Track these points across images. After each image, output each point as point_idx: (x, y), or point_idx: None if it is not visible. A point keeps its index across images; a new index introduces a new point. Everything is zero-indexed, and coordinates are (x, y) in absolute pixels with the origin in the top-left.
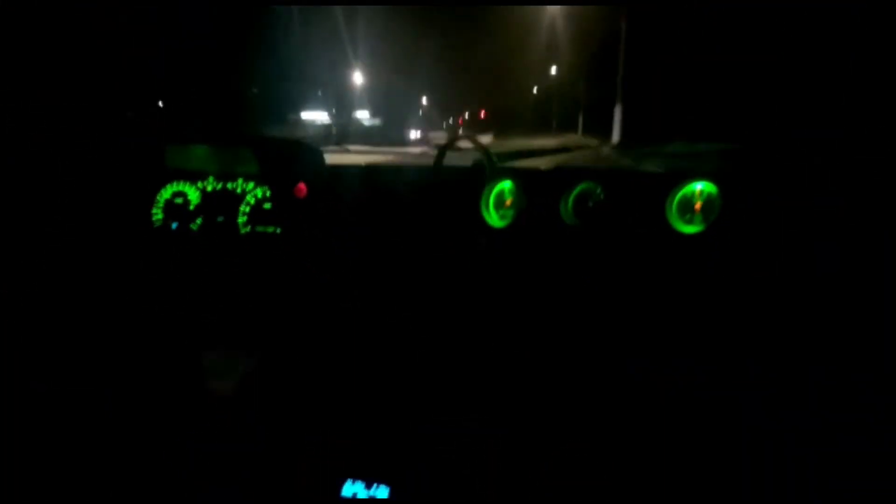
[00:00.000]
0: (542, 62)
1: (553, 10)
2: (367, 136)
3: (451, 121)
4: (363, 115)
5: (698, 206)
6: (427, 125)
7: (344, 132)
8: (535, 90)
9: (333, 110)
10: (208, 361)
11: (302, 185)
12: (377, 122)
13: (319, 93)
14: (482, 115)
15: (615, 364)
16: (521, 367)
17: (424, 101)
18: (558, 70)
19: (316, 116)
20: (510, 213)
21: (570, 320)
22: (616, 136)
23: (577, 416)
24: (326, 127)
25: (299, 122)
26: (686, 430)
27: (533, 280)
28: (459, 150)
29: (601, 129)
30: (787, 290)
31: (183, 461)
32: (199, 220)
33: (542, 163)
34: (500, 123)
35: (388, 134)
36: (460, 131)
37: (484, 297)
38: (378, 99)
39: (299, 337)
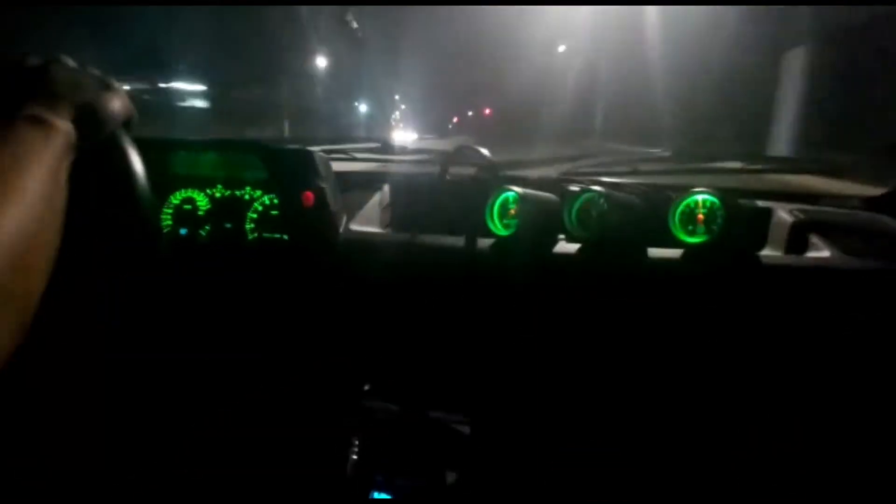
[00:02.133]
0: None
1: None
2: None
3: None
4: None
5: (701, 217)
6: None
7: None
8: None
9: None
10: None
11: (309, 194)
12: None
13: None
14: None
15: (615, 369)
16: (521, 369)
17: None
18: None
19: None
20: (514, 221)
21: (571, 326)
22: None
23: (578, 418)
24: None
25: None
26: (687, 435)
27: (536, 286)
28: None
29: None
30: (790, 297)
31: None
32: (207, 227)
33: (548, 170)
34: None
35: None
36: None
37: (488, 303)
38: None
39: (305, 339)
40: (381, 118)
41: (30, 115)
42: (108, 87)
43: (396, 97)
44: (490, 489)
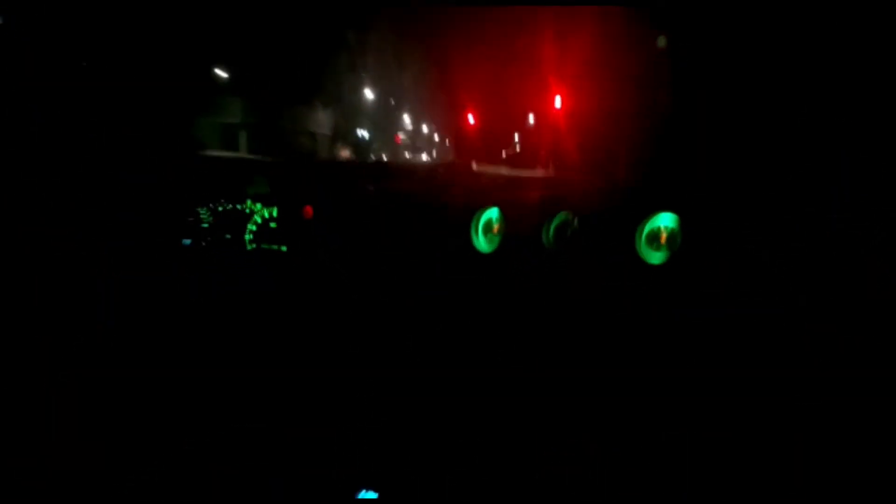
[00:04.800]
0: None
1: None
2: None
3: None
4: None
5: (664, 237)
6: None
7: None
8: None
9: None
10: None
11: (308, 208)
12: None
13: None
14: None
15: (590, 371)
16: (506, 374)
17: None
18: None
19: None
20: (497, 238)
21: (548, 337)
22: None
23: (561, 419)
24: None
25: None
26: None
27: (516, 299)
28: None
29: None
30: (744, 308)
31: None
32: (208, 237)
33: (528, 190)
34: None
35: None
36: None
37: (473, 313)
38: None
39: (301, 344)
40: None
41: None
42: None
43: None
44: (487, 490)
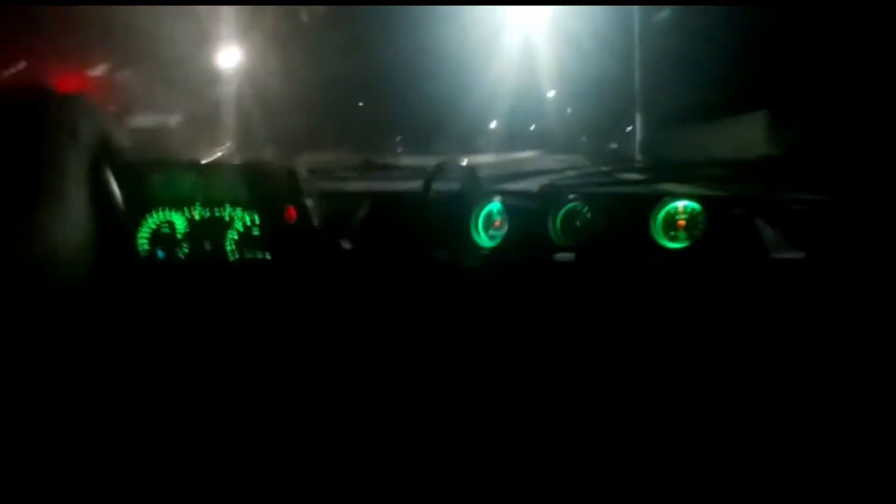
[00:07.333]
0: None
1: None
2: None
3: None
4: None
5: (682, 222)
6: None
7: None
8: None
9: None
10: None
11: (292, 210)
12: None
13: None
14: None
15: (602, 370)
16: (509, 373)
17: None
18: None
19: None
20: (500, 233)
21: (559, 335)
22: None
23: (568, 418)
24: None
25: None
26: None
27: (523, 298)
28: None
29: None
30: (766, 300)
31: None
32: (186, 248)
33: (530, 183)
34: None
35: None
36: None
37: (475, 316)
38: None
39: (289, 357)
40: None
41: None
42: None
43: None
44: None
